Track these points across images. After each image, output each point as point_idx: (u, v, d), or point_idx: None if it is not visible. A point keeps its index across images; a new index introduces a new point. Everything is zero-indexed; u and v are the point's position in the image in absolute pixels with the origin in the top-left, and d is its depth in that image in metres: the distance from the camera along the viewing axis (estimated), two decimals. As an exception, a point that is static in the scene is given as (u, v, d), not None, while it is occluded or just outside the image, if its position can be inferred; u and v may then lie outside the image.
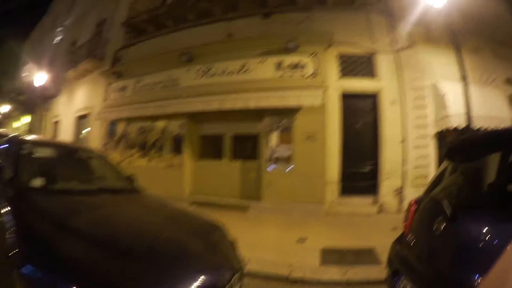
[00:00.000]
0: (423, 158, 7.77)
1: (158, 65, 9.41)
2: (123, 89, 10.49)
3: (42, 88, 16.41)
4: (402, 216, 6.84)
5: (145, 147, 9.50)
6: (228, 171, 8.23)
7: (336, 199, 7.40)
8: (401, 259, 2.51)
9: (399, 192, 7.53)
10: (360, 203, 7.56)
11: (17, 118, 18.27)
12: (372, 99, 8.02)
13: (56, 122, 15.98)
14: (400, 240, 2.76)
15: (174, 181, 8.55)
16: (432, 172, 7.76)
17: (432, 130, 7.91)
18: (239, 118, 8.16)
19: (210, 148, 8.68)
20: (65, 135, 14.69)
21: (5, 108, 19.50)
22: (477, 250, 1.63)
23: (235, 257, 2.56)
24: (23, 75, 14.61)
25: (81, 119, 13.72)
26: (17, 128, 19.07)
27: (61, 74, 15.46)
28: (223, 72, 8.01)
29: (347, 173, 7.62)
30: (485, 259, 1.41)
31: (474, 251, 1.65)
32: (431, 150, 7.88)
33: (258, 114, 7.68)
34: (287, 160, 7.40)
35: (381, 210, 7.36)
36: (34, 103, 18.02)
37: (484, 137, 2.42)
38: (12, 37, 22.01)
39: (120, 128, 10.53)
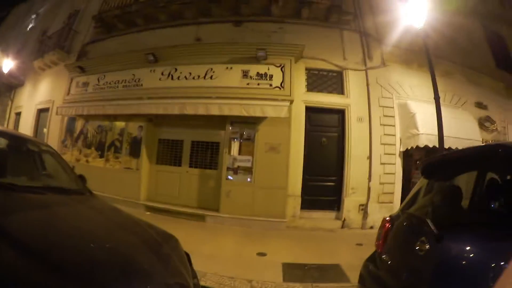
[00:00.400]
0: (389, 175, 7.72)
1: (122, 63, 8.87)
2: (85, 84, 9.86)
3: (7, 75, 15.47)
4: (366, 232, 6.78)
5: (103, 148, 8.92)
6: (186, 178, 7.83)
7: (298, 213, 7.18)
8: (375, 279, 2.37)
9: (364, 208, 7.35)
10: (322, 218, 7.40)
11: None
12: (338, 114, 7.88)
13: (18, 114, 15.01)
14: (372, 259, 2.60)
15: (130, 185, 8.06)
16: (398, 189, 7.70)
17: (399, 148, 7.84)
18: (200, 124, 7.81)
19: (169, 153, 8.21)
20: (25, 127, 13.79)
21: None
22: (468, 271, 1.56)
23: (188, 272, 2.21)
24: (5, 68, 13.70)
25: (42, 112, 12.90)
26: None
27: (28, 63, 14.60)
28: (188, 76, 7.62)
29: (310, 187, 7.44)
30: (478, 280, 1.41)
31: (464, 272, 1.58)
32: (397, 168, 7.86)
33: (221, 121, 7.37)
34: (248, 170, 7.10)
35: (344, 225, 7.20)
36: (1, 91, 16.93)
37: (460, 155, 2.38)
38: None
39: (78, 125, 9.89)
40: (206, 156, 7.81)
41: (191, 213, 7.16)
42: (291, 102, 6.94)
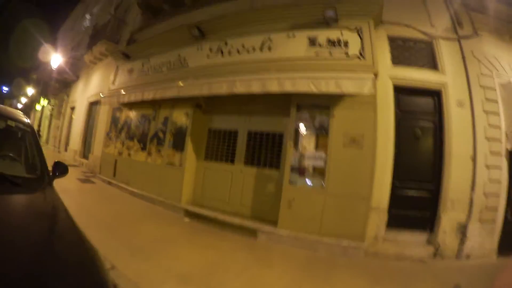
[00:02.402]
0: (494, 183, 5.27)
1: (167, 44, 7.42)
2: (130, 72, 8.64)
3: (62, 72, 15.11)
4: (463, 264, 4.56)
5: (145, 139, 7.56)
6: (239, 179, 6.02)
7: (382, 234, 4.98)
8: None
9: (463, 229, 5.10)
10: (410, 241, 5.10)
11: (38, 101, 17.06)
12: (433, 97, 5.62)
13: (73, 108, 14.53)
14: None
15: (172, 184, 6.52)
16: (502, 203, 5.29)
17: (505, 146, 5.44)
18: (259, 109, 5.99)
19: (220, 147, 6.48)
20: (78, 121, 13.18)
21: (30, 91, 18.45)
22: None
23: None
24: (48, 61, 13.33)
25: (93, 105, 12.10)
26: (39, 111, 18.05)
27: (81, 59, 14.04)
28: (240, 50, 5.86)
29: (400, 197, 5.19)
30: None
31: None
32: (503, 173, 5.39)
33: (284, 105, 5.44)
34: (319, 172, 5.06)
35: (437, 253, 4.99)
36: (56, 87, 16.74)
37: None
38: (41, 23, 21.08)
39: (123, 116, 8.67)
40: (266, 151, 5.88)
41: (239, 225, 5.22)
42: (376, 75, 4.89)
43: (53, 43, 20.89)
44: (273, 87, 4.85)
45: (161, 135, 7.11)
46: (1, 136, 2.56)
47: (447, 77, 5.62)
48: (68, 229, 1.77)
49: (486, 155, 5.27)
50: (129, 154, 7.97)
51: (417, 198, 5.23)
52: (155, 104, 7.37)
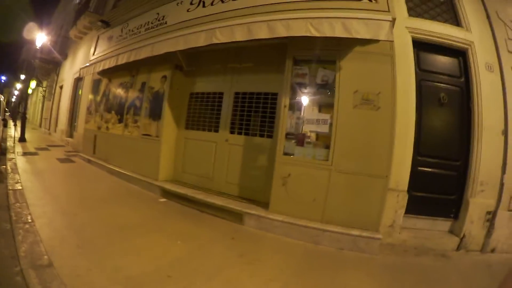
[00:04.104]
0: None
1: (146, 4, 6.25)
2: (110, 39, 7.47)
3: (49, 52, 13.90)
4: (488, 258, 3.36)
5: (122, 110, 6.45)
6: (225, 150, 4.91)
7: (400, 221, 3.88)
8: None
9: (491, 217, 4.05)
10: (431, 230, 4.08)
11: (29, 84, 15.87)
12: (458, 57, 4.47)
13: (61, 87, 13.37)
14: None
15: (148, 158, 5.48)
16: None
17: None
18: (249, 67, 4.86)
19: (203, 113, 5.35)
20: (65, 99, 12.05)
21: (23, 76, 17.29)
22: None
23: None
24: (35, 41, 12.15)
25: (79, 81, 10.94)
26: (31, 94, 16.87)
27: (68, 36, 12.81)
28: (224, -1, 4.70)
29: (422, 175, 4.07)
30: None
31: None
32: None
33: (279, 58, 4.30)
34: (323, 140, 3.92)
35: (461, 245, 3.93)
36: (47, 68, 15.54)
37: None
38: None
39: (102, 87, 7.55)
40: (256, 116, 4.73)
41: (224, 207, 4.07)
42: (393, 21, 3.70)
43: (47, 25, 19.57)
44: (262, 32, 3.67)
45: (137, 103, 6.00)
46: None
47: (473, 35, 4.46)
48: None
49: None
50: (107, 128, 6.90)
51: (441, 178, 4.12)
52: (133, 69, 6.26)
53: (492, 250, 3.94)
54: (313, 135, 4.02)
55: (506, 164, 4.05)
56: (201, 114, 5.34)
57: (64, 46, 13.96)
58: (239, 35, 3.83)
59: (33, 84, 16.98)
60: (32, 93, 20.73)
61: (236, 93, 4.94)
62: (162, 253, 2.77)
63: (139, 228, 3.37)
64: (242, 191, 4.63)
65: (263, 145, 4.55)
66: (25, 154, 7.74)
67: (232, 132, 4.90)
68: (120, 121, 6.41)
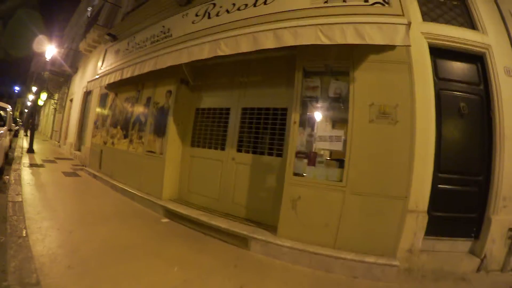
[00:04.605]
0: None
1: (151, 16, 6.13)
2: (116, 53, 7.36)
3: (59, 65, 14.01)
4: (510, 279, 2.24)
5: (127, 125, 6.26)
6: (231, 169, 4.58)
7: (419, 245, 3.48)
8: None
9: None
10: (451, 252, 3.67)
11: (39, 96, 16.02)
12: (476, 63, 4.14)
13: (71, 100, 13.40)
14: None
15: (152, 176, 5.22)
16: None
17: None
18: (256, 80, 4.59)
19: (209, 130, 5.06)
20: (75, 112, 12.04)
21: (34, 88, 17.54)
22: None
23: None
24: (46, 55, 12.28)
25: (88, 95, 10.90)
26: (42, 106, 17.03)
27: (77, 50, 12.89)
28: (230, 9, 4.45)
29: (442, 193, 3.68)
30: None
31: None
32: None
33: (288, 71, 4.04)
34: (336, 159, 3.55)
35: (481, 266, 3.53)
36: (58, 81, 15.69)
37: None
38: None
39: (109, 102, 7.41)
40: (265, 133, 4.38)
41: (229, 230, 3.74)
42: (409, 25, 3.39)
43: (59, 38, 19.90)
44: (268, 41, 3.39)
45: (142, 119, 5.79)
46: None
47: (490, 38, 4.13)
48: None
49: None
50: (113, 143, 6.72)
51: (461, 195, 3.74)
52: (139, 84, 6.08)
53: None
54: (325, 154, 3.67)
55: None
56: (207, 131, 5.06)
57: (75, 59, 14.08)
58: (244, 46, 3.57)
59: (43, 96, 17.15)
60: (44, 105, 20.98)
61: (244, 109, 4.65)
62: (157, 280, 2.51)
63: (137, 250, 3.11)
64: (249, 213, 4.30)
65: (271, 164, 4.22)
66: (31, 165, 7.63)
67: (239, 150, 4.59)
68: (125, 136, 6.22)
